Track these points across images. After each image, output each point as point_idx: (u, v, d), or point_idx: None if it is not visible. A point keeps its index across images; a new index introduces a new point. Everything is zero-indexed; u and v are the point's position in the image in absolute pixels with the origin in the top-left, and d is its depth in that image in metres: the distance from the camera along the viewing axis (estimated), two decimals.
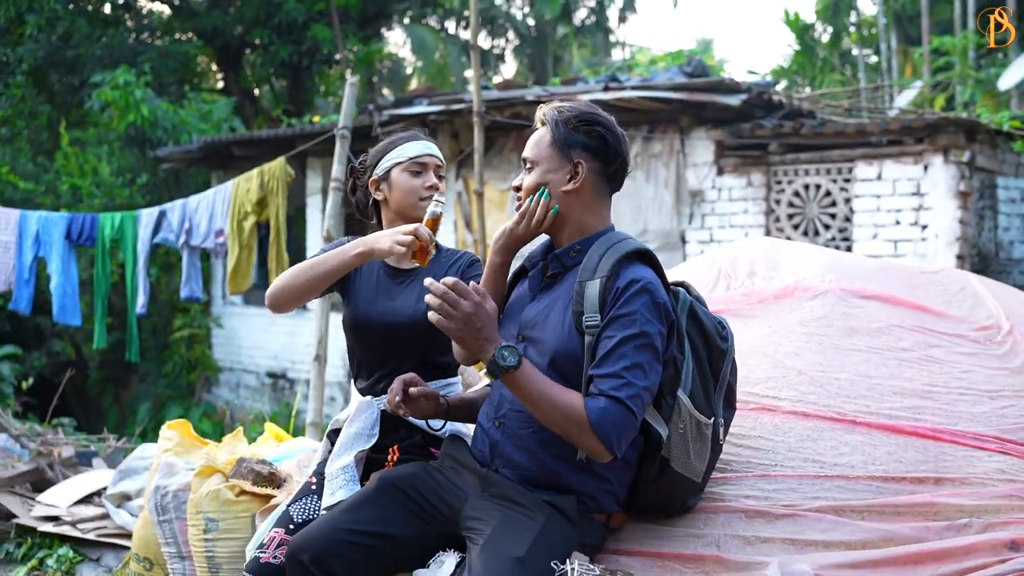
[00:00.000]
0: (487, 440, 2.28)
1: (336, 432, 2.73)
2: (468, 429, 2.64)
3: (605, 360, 2.07)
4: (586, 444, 2.05)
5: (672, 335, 2.18)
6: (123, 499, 4.58)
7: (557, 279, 2.27)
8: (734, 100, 7.70)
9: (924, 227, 7.12)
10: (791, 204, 7.93)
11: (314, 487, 2.60)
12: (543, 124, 2.30)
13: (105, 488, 4.80)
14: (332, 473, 2.50)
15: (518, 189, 2.31)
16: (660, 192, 8.55)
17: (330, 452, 2.71)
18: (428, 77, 23.21)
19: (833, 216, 7.70)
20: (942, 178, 6.98)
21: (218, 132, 12.39)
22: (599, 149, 2.25)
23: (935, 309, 3.18)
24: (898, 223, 7.26)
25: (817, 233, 7.75)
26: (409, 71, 25.01)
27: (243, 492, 3.02)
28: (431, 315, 2.04)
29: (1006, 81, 13.26)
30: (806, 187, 7.80)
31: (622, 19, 25.93)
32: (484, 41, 24.28)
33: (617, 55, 27.27)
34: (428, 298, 2.04)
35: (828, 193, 7.71)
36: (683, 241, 8.51)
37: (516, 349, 2.05)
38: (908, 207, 7.18)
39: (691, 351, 2.26)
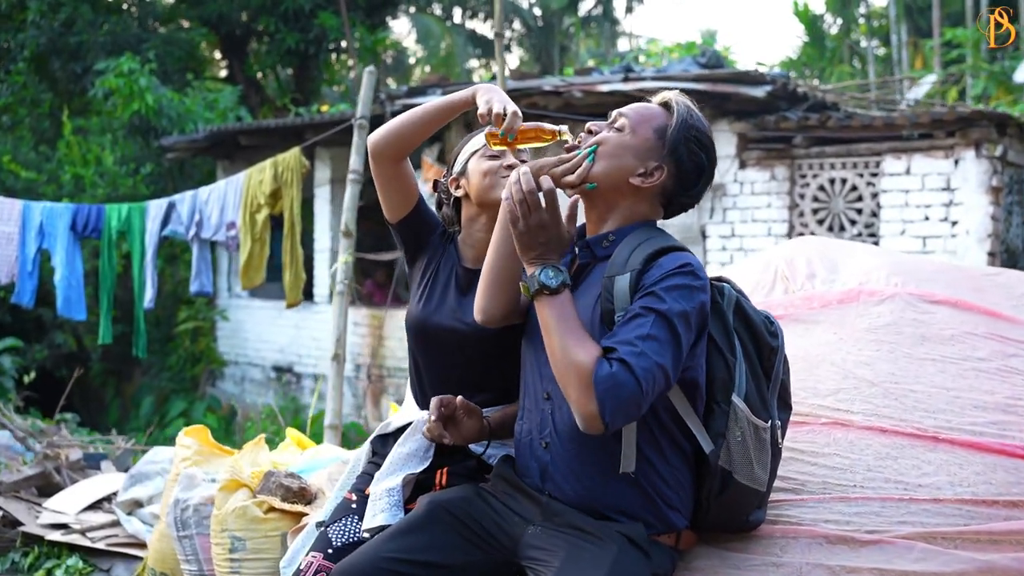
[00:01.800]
0: (536, 464, 2.07)
1: (381, 440, 2.53)
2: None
3: (621, 328, 1.86)
4: (582, 404, 1.81)
5: (704, 325, 1.96)
6: (134, 506, 4.40)
7: (586, 270, 2.06)
8: (758, 92, 7.49)
9: (954, 223, 6.93)
10: (816, 199, 7.73)
11: (354, 505, 2.40)
12: (665, 108, 2.09)
13: (115, 493, 4.62)
14: (376, 494, 2.30)
15: (591, 132, 2.08)
16: None
17: (371, 462, 2.51)
18: (433, 67, 23.00)
19: (859, 211, 7.50)
20: (974, 173, 6.78)
21: (224, 121, 12.17)
22: (688, 175, 2.04)
23: (1006, 315, 2.98)
24: (927, 219, 7.06)
25: (843, 229, 7.56)
26: (412, 61, 24.80)
27: (272, 509, 2.83)
28: (506, 201, 1.91)
29: (1022, 74, 13.07)
30: (831, 181, 7.60)
31: (629, 9, 25.72)
32: (490, 30, 24.05)
33: (623, 46, 27.05)
34: (513, 187, 1.90)
35: (854, 188, 7.51)
36: (704, 236, 8.31)
37: (565, 276, 1.89)
38: (938, 203, 6.99)
39: (741, 351, 2.06)
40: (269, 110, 14.45)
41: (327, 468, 3.17)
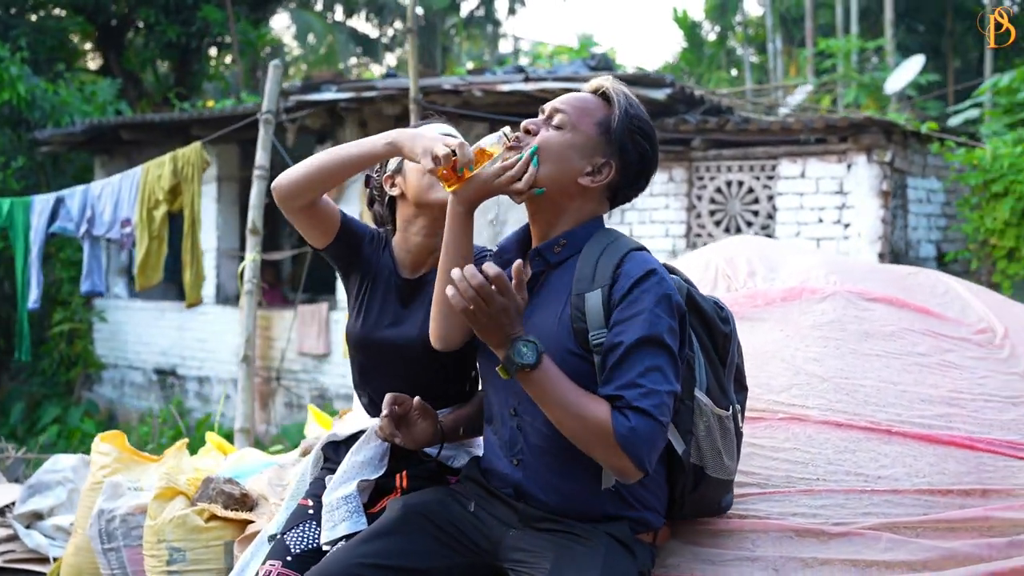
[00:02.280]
0: (508, 480, 2.01)
1: (332, 446, 2.43)
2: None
3: (617, 370, 1.81)
4: (612, 462, 1.80)
5: (684, 328, 1.94)
6: (34, 518, 4.14)
7: (540, 280, 1.98)
8: (659, 94, 7.61)
9: (847, 225, 7.20)
10: (713, 200, 7.91)
11: (311, 511, 2.30)
12: (604, 99, 1.97)
13: (10, 506, 4.33)
14: (332, 503, 2.19)
15: (528, 132, 1.95)
16: None
17: (323, 468, 2.42)
18: (312, 64, 22.56)
19: (756, 213, 7.71)
20: (865, 177, 7.07)
21: (103, 115, 11.63)
22: (633, 167, 1.96)
23: (935, 312, 3.10)
24: (821, 221, 7.32)
25: (739, 230, 7.76)
26: (290, 58, 24.30)
27: (213, 517, 2.69)
28: (454, 300, 1.74)
29: (893, 84, 13.70)
30: (728, 184, 7.79)
31: (511, 11, 25.85)
32: (372, 29, 23.81)
33: (505, 47, 27.16)
34: (459, 285, 1.74)
35: (751, 190, 7.71)
36: None
37: (536, 345, 1.77)
38: (831, 205, 7.25)
39: (698, 344, 2.04)
40: (148, 104, 13.89)
41: (264, 473, 3.04)
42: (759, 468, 2.40)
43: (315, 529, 2.25)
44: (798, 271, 3.17)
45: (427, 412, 2.17)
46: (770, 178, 7.57)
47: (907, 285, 3.31)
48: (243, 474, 3.26)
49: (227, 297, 11.02)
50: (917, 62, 13.42)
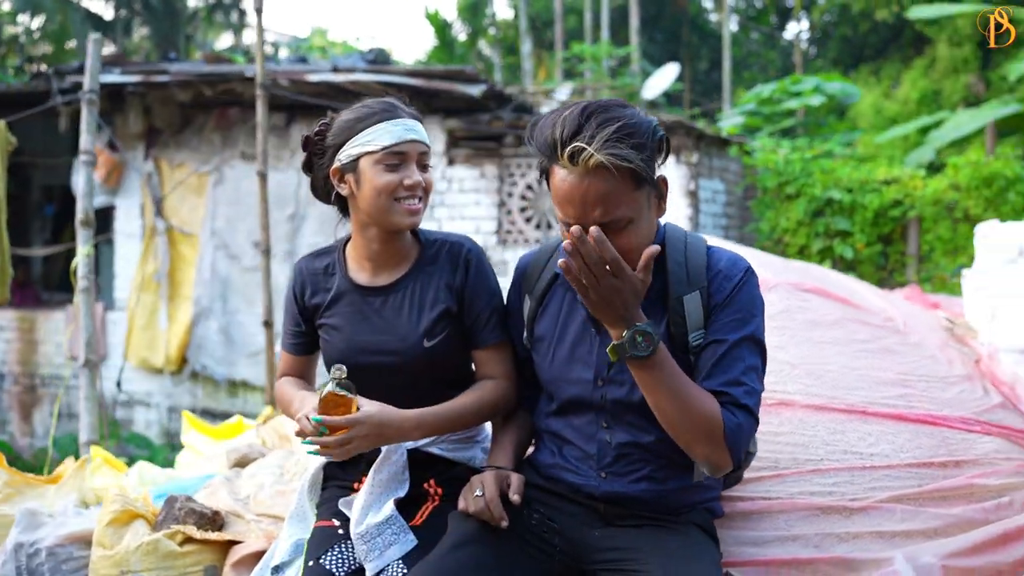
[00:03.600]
0: (592, 493, 2.00)
1: (335, 464, 2.26)
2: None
3: (720, 366, 1.89)
4: (713, 456, 1.85)
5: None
6: None
7: None
8: (474, 90, 7.64)
9: None
10: (523, 197, 8.06)
11: (340, 531, 2.13)
12: (602, 168, 1.76)
13: None
14: (370, 531, 2.03)
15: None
16: None
17: (338, 487, 2.24)
18: (37, 43, 20.62)
19: None
20: (675, 177, 7.46)
21: None
22: (665, 152, 1.92)
23: (853, 302, 3.34)
24: None
25: (549, 227, 7.95)
26: (6, 36, 22.11)
27: (188, 540, 2.40)
28: (564, 266, 1.73)
29: (650, 90, 14.56)
30: (539, 181, 7.96)
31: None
32: (107, 11, 22.10)
33: (247, 38, 26.11)
34: (573, 256, 1.71)
35: None
36: None
37: (653, 336, 1.76)
38: None
39: None
40: None
41: (214, 486, 2.76)
42: (766, 452, 2.50)
43: (352, 549, 2.09)
44: None
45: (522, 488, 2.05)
46: None
47: (815, 277, 3.54)
48: (188, 488, 2.96)
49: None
50: (672, 70, 14.33)
